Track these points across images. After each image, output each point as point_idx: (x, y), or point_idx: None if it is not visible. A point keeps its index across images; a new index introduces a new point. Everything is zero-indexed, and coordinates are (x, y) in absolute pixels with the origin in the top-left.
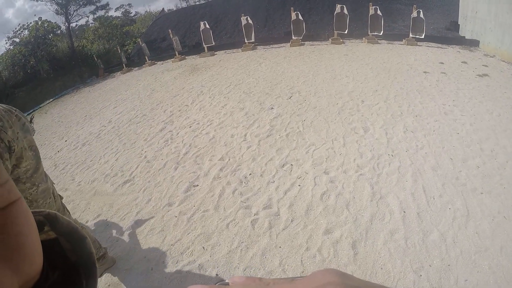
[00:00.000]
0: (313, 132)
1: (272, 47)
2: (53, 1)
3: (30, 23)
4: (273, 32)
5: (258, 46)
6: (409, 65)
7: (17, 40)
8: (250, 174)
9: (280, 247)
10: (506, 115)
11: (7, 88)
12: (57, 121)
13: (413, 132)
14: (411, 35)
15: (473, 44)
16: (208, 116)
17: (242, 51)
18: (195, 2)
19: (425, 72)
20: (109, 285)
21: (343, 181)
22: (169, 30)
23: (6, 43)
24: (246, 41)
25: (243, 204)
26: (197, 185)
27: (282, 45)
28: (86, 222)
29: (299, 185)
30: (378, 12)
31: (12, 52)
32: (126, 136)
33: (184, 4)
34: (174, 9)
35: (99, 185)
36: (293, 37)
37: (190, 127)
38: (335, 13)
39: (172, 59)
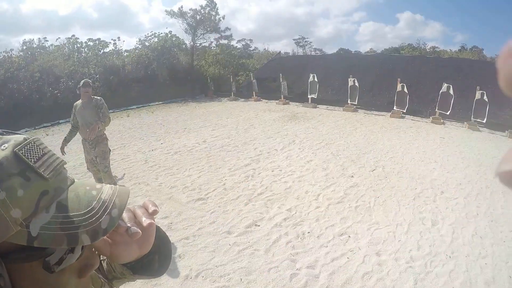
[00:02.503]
0: (381, 211)
1: (372, 113)
2: (185, 21)
3: (161, 33)
4: (377, 98)
5: (359, 109)
6: None
7: (147, 44)
8: (308, 232)
9: None
10: None
11: (127, 79)
12: (160, 124)
13: (482, 238)
14: None
15: None
16: (292, 166)
17: (343, 110)
18: (311, 51)
19: None
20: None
21: (391, 268)
22: (280, 74)
23: (136, 43)
24: (349, 102)
25: (291, 256)
26: (259, 225)
27: (382, 113)
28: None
29: (348, 258)
30: (485, 97)
31: (140, 52)
32: (214, 159)
33: (300, 51)
34: (290, 53)
35: (176, 193)
36: (394, 108)
37: (272, 171)
38: (440, 91)
39: (276, 101)
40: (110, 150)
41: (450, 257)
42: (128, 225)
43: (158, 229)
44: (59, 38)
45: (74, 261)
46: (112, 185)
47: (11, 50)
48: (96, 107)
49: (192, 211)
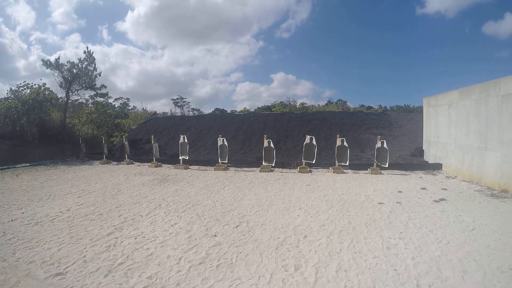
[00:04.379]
0: (243, 266)
1: (243, 170)
2: (61, 74)
3: (34, 84)
4: (248, 155)
5: (230, 167)
6: (366, 196)
7: (18, 95)
8: None
9: None
10: (455, 242)
11: None
12: (24, 189)
13: (346, 271)
14: (375, 165)
15: (436, 167)
16: (156, 231)
17: (214, 169)
18: (189, 111)
19: (380, 203)
20: None
21: None
22: (152, 136)
23: (7, 93)
24: (219, 161)
25: None
26: None
27: (252, 169)
28: None
29: None
30: (345, 143)
31: (9, 104)
32: (76, 229)
33: (178, 111)
34: (169, 113)
35: (34, 269)
36: (263, 163)
37: (135, 238)
38: (304, 143)
39: (148, 164)
40: None
41: None
42: None
43: None
44: None
45: None
46: None
47: None
48: None
49: (49, 287)
